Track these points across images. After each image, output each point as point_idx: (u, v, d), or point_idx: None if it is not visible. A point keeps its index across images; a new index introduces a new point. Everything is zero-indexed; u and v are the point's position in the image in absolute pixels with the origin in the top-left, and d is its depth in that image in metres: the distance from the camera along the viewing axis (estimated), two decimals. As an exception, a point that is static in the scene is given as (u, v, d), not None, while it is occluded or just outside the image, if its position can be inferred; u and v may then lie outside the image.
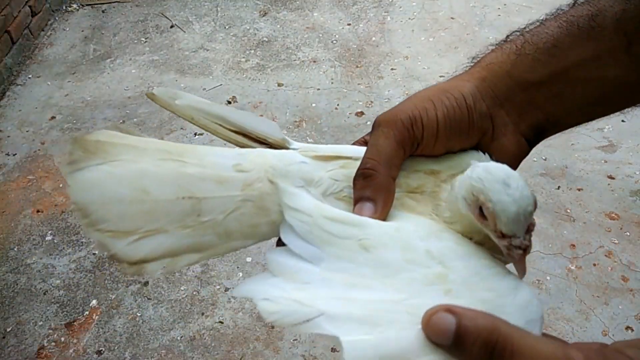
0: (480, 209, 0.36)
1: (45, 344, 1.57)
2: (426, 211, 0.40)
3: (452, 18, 3.01)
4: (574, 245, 1.75)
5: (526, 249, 0.35)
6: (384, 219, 0.39)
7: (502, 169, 0.36)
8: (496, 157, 0.43)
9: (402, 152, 0.41)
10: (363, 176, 0.39)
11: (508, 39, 0.46)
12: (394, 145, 0.40)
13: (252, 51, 2.82)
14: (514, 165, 0.43)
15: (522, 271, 0.36)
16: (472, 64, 0.47)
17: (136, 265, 0.33)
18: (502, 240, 0.35)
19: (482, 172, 0.36)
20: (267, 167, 0.39)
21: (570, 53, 0.42)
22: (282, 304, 0.32)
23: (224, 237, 0.37)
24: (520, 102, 0.44)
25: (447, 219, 0.39)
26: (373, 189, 0.39)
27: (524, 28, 0.46)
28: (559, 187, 1.96)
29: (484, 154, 0.44)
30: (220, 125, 0.43)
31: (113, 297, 1.68)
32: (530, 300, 0.35)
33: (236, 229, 0.37)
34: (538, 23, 0.45)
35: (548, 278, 1.64)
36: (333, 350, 1.50)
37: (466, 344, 0.29)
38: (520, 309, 0.34)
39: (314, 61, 2.72)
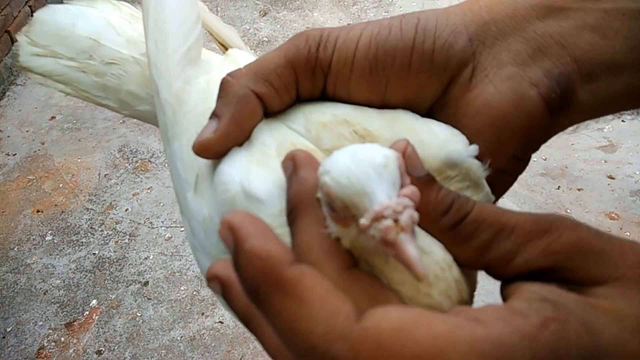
0: (330, 204, 0.23)
1: (45, 344, 1.57)
2: None
3: (452, 18, 3.01)
4: (574, 245, 1.75)
5: (397, 221, 0.20)
6: (227, 141, 0.29)
7: (363, 145, 0.23)
8: (469, 120, 0.28)
9: (289, 73, 0.29)
10: (220, 88, 0.29)
11: None
12: (280, 60, 0.29)
13: (252, 51, 2.81)
14: (504, 135, 0.27)
15: (418, 268, 0.20)
16: None
17: (24, 70, 0.40)
18: (364, 229, 0.21)
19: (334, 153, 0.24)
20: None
21: None
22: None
23: (101, 88, 0.40)
24: (534, 34, 0.27)
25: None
26: (222, 102, 0.29)
27: None
28: (559, 187, 1.96)
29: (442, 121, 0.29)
30: None
31: (113, 297, 1.68)
32: None
33: (113, 85, 0.39)
34: None
35: (548, 278, 1.64)
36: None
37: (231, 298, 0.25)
38: None
39: (314, 61, 2.72)
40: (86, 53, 0.39)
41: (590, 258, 0.22)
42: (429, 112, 0.30)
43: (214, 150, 0.29)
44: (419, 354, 0.19)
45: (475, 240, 0.23)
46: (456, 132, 0.28)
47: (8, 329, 1.61)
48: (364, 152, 0.22)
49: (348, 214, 0.22)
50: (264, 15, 3.14)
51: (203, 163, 0.31)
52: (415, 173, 0.23)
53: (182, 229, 1.88)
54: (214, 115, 0.29)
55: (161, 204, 1.98)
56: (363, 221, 0.21)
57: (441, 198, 0.23)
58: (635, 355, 0.20)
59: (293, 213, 0.24)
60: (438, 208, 0.23)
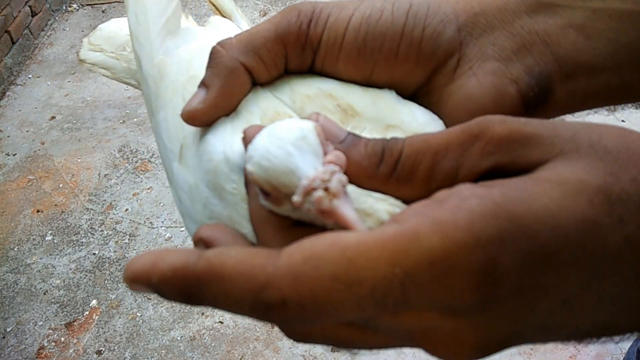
0: (263, 190, 0.23)
1: (45, 344, 1.57)
2: None
3: (452, 18, 3.01)
4: (574, 245, 1.75)
5: (328, 189, 0.21)
6: (215, 112, 0.29)
7: (280, 123, 0.24)
8: (449, 109, 0.29)
9: (278, 48, 0.30)
10: (210, 57, 0.30)
11: None
12: (270, 34, 0.30)
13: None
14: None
15: (359, 227, 0.21)
16: None
17: (81, 62, 0.51)
18: (299, 205, 0.22)
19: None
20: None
21: None
22: None
23: (127, 71, 0.48)
24: (520, 29, 0.28)
25: None
26: (211, 72, 0.29)
27: None
28: (559, 187, 1.96)
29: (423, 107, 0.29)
30: None
31: (113, 297, 1.68)
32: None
33: (134, 67, 0.46)
34: None
35: (548, 278, 1.64)
36: (333, 350, 1.50)
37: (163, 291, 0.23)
38: None
39: (314, 61, 2.72)
40: (122, 46, 0.48)
41: (526, 145, 0.22)
42: (412, 97, 0.30)
43: (201, 119, 0.30)
44: (332, 272, 0.19)
45: (418, 174, 0.23)
46: (435, 117, 0.29)
47: (8, 329, 1.61)
48: (280, 130, 0.23)
49: (280, 195, 0.23)
50: (264, 16, 3.14)
51: (188, 132, 0.31)
52: (339, 137, 0.24)
53: (182, 229, 1.88)
54: (203, 84, 0.30)
55: (161, 204, 1.98)
56: (296, 198, 0.21)
57: (371, 149, 0.23)
58: (577, 216, 0.19)
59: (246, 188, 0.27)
60: (372, 160, 0.23)
